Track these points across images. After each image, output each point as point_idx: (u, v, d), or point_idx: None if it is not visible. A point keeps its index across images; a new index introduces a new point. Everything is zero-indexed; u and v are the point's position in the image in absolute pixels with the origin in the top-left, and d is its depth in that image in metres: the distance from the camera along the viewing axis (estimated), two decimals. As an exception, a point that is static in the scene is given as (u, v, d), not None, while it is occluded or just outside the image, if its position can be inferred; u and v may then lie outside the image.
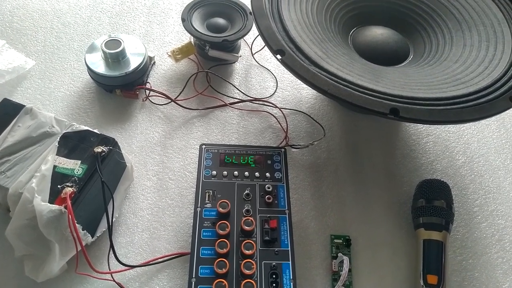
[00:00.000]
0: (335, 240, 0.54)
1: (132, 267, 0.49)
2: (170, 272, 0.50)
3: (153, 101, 0.65)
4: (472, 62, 0.54)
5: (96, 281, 0.48)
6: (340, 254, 0.51)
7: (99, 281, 0.48)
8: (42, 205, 0.42)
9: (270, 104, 0.66)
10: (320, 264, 0.52)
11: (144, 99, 0.65)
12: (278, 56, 0.49)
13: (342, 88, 0.47)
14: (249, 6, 0.66)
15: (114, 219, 0.49)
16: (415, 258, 0.52)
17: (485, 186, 0.60)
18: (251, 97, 0.66)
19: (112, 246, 0.47)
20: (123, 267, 0.48)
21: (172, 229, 0.53)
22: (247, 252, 0.44)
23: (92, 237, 0.48)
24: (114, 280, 0.48)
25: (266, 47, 0.71)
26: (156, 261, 0.50)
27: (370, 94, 0.47)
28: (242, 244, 0.45)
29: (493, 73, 0.52)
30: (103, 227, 0.50)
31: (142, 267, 0.50)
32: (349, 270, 0.50)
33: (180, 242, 0.53)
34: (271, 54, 0.51)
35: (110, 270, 0.48)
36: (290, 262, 0.45)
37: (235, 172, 0.52)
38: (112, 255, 0.47)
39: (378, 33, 0.62)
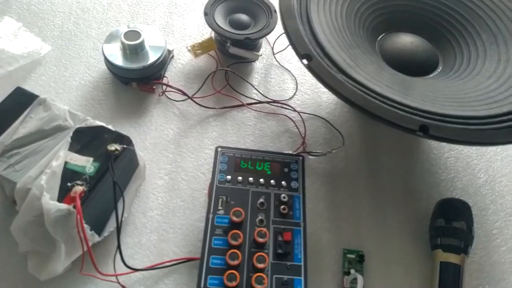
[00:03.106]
0: (348, 255, 0.52)
1: (138, 270, 0.47)
2: (177, 277, 0.49)
3: (169, 96, 0.63)
4: (506, 79, 0.52)
5: (100, 282, 0.47)
6: (353, 271, 0.49)
7: (103, 282, 0.47)
8: (51, 203, 0.40)
9: (289, 107, 0.63)
10: (331, 279, 0.50)
11: (161, 94, 0.63)
12: (305, 61, 0.47)
13: (371, 101, 0.44)
14: (274, 3, 0.64)
15: (122, 218, 0.47)
16: (429, 279, 0.50)
17: (507, 207, 0.58)
18: (269, 98, 0.64)
19: (119, 249, 0.45)
20: (129, 270, 0.46)
21: (181, 232, 0.52)
22: (259, 265, 0.43)
23: (99, 236, 0.47)
24: (119, 282, 0.46)
25: (288, 48, 0.69)
26: (163, 265, 0.48)
27: (399, 108, 0.45)
28: (254, 257, 0.43)
29: (529, 92, 0.49)
30: (110, 226, 0.48)
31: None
32: (361, 289, 0.48)
33: (188, 246, 0.51)
34: (292, 54, 0.48)
35: (115, 271, 0.46)
36: (302, 278, 0.43)
37: (250, 179, 0.50)
38: (118, 256, 0.45)
39: (407, 41, 0.59)
